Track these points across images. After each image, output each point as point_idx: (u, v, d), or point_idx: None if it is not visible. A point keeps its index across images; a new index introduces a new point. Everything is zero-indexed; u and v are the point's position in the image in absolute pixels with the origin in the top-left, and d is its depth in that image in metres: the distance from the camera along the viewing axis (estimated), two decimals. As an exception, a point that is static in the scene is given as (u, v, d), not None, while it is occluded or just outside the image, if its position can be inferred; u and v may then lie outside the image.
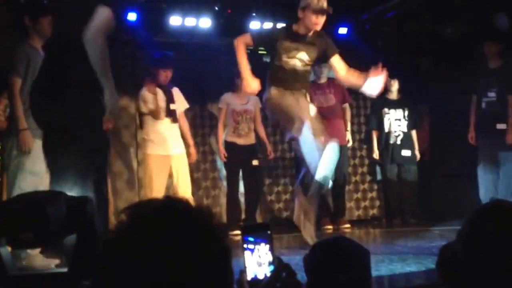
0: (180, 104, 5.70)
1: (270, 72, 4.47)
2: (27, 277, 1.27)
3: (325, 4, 4.28)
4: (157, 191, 5.35)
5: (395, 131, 6.64)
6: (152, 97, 5.44)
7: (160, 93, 5.51)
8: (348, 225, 6.23)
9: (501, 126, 5.62)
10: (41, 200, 1.17)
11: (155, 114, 5.44)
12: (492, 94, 5.71)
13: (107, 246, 0.89)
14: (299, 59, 4.41)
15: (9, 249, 1.23)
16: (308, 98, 4.70)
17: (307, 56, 4.42)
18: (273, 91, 4.39)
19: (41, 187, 3.81)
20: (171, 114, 5.53)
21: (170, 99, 5.56)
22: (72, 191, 2.77)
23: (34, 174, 3.86)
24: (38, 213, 1.15)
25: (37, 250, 3.92)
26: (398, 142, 6.63)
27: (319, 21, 4.30)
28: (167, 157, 5.46)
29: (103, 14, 2.84)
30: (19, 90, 3.90)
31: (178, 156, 5.52)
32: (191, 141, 5.77)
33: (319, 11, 4.25)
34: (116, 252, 0.86)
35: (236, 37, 4.45)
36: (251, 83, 4.30)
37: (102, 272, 0.87)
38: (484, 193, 5.74)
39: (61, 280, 1.20)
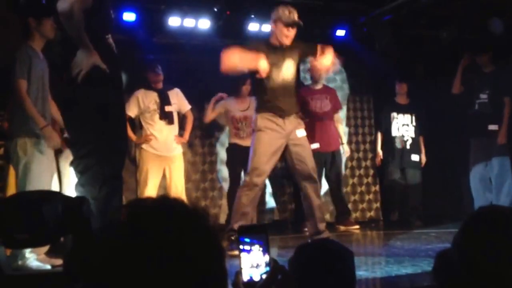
0: (181, 105, 5.75)
1: (258, 90, 4.40)
2: (22, 277, 1.26)
3: (296, 17, 4.26)
4: (149, 190, 5.41)
5: (403, 136, 6.64)
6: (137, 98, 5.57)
7: (151, 95, 5.58)
8: (357, 226, 6.19)
9: (492, 127, 5.68)
10: (37, 200, 1.17)
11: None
12: (484, 96, 5.77)
13: (101, 245, 0.89)
14: (287, 71, 4.36)
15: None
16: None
17: (293, 67, 4.40)
18: (260, 123, 4.32)
19: (45, 186, 3.83)
20: (166, 116, 5.58)
21: (164, 101, 5.60)
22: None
23: (39, 174, 3.89)
24: (34, 212, 1.15)
25: (41, 250, 3.92)
26: (408, 147, 6.62)
27: (290, 34, 4.28)
28: (161, 157, 5.52)
29: None
30: (26, 92, 3.90)
31: (173, 158, 5.57)
32: (186, 135, 5.83)
33: (290, 24, 4.25)
34: (109, 251, 0.86)
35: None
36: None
37: (95, 272, 0.87)
38: (476, 199, 5.75)
39: (56, 281, 1.20)
